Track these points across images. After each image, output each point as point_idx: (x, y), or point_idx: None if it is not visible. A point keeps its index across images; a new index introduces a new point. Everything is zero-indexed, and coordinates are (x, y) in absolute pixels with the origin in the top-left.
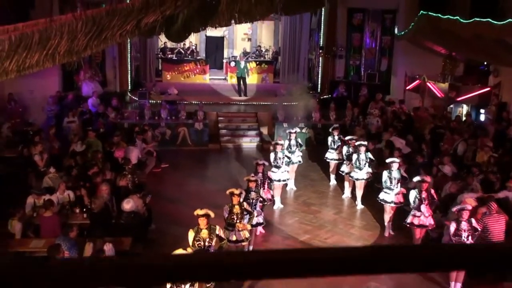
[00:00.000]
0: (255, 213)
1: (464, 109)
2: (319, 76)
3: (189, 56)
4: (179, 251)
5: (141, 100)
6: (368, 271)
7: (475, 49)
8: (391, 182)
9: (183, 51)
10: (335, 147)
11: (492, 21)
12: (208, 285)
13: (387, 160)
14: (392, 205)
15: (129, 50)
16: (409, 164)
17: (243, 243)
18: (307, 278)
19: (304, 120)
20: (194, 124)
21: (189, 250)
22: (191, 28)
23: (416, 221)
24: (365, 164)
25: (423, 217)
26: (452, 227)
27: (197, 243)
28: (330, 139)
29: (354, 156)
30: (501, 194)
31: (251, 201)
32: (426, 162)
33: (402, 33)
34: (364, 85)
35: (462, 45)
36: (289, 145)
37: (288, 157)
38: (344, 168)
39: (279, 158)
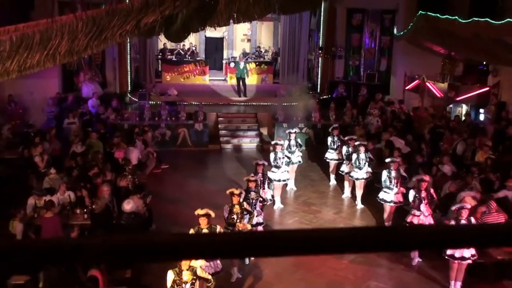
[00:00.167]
0: (255, 213)
1: (464, 108)
2: (319, 77)
3: (189, 57)
4: None
5: (141, 101)
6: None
7: (474, 48)
8: (390, 182)
9: (182, 52)
10: (335, 147)
11: (491, 21)
12: (208, 285)
13: (387, 160)
14: (392, 204)
15: (128, 51)
16: (408, 163)
17: None
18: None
19: (304, 121)
20: (194, 125)
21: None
22: (190, 28)
23: (415, 220)
24: (364, 163)
25: (423, 217)
26: None
27: None
28: (329, 139)
29: (354, 156)
30: (500, 193)
31: (251, 201)
32: (426, 162)
33: (401, 33)
34: (363, 85)
35: (461, 45)
36: (289, 145)
37: (288, 157)
38: (344, 168)
39: (279, 158)
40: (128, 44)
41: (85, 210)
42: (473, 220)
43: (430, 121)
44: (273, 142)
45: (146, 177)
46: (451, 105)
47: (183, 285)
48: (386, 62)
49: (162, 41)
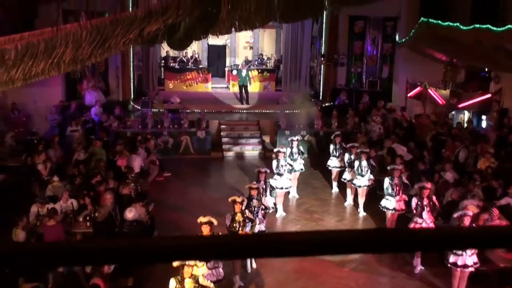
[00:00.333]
0: (257, 221)
1: (466, 115)
2: (321, 84)
3: (192, 65)
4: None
5: (143, 108)
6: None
7: (475, 55)
8: (392, 189)
9: (185, 60)
10: (337, 154)
11: (492, 28)
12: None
13: (389, 167)
14: (394, 212)
15: (131, 59)
16: (411, 171)
17: None
18: (308, 286)
19: (306, 128)
20: (196, 132)
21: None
22: (192, 36)
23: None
24: (367, 171)
25: (425, 224)
26: None
27: None
28: (332, 146)
29: (356, 163)
30: (503, 200)
31: (253, 208)
32: (428, 169)
33: (403, 40)
34: (365, 92)
35: (462, 51)
36: (291, 152)
37: (290, 165)
38: (346, 176)
39: (281, 166)
40: (131, 52)
41: (87, 218)
42: None
43: (432, 128)
44: (275, 150)
45: (149, 185)
46: (453, 112)
47: None
48: (388, 69)
49: (165, 49)
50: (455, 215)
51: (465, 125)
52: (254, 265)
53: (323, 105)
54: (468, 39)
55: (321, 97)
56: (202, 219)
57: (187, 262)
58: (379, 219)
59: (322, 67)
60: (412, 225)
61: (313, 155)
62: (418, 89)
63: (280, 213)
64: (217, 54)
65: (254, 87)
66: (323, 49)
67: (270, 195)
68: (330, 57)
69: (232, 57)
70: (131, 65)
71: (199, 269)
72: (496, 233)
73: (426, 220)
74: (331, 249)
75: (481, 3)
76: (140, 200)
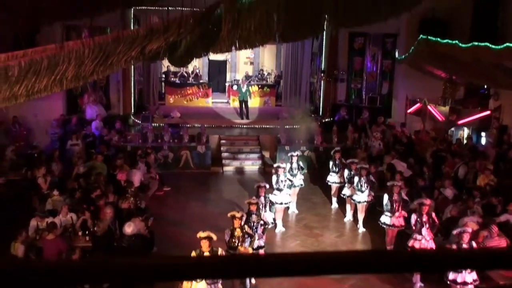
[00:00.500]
0: (256, 236)
1: (465, 132)
2: (321, 100)
3: (192, 80)
4: None
5: (144, 123)
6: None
7: (474, 73)
8: (392, 205)
9: (186, 75)
10: (337, 170)
11: (491, 46)
12: None
13: (388, 183)
14: (393, 228)
15: (132, 74)
16: (410, 187)
17: None
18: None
19: (306, 143)
20: (196, 147)
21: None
22: (193, 53)
23: (417, 245)
24: (366, 187)
25: (424, 241)
26: None
27: None
28: (331, 162)
29: (356, 179)
30: (502, 217)
31: (252, 224)
32: (428, 185)
33: (403, 57)
34: (365, 108)
35: (461, 69)
36: (291, 168)
37: (290, 180)
38: (346, 191)
39: (281, 181)
40: (132, 67)
41: (87, 232)
42: (474, 244)
43: (432, 144)
44: (275, 165)
45: (148, 199)
46: (452, 129)
47: None
48: (388, 86)
49: (166, 64)
50: (455, 231)
51: (465, 141)
52: (253, 281)
53: (323, 121)
54: (467, 57)
55: (321, 112)
56: (201, 234)
57: None
58: (379, 235)
59: (322, 83)
60: (411, 242)
61: (312, 171)
62: (417, 105)
63: (280, 228)
64: (218, 69)
65: (254, 102)
66: (323, 65)
67: (270, 210)
68: (330, 73)
69: (232, 72)
70: (132, 79)
71: (198, 284)
72: (495, 254)
73: (425, 237)
74: (329, 270)
75: (480, 21)
76: (139, 214)
